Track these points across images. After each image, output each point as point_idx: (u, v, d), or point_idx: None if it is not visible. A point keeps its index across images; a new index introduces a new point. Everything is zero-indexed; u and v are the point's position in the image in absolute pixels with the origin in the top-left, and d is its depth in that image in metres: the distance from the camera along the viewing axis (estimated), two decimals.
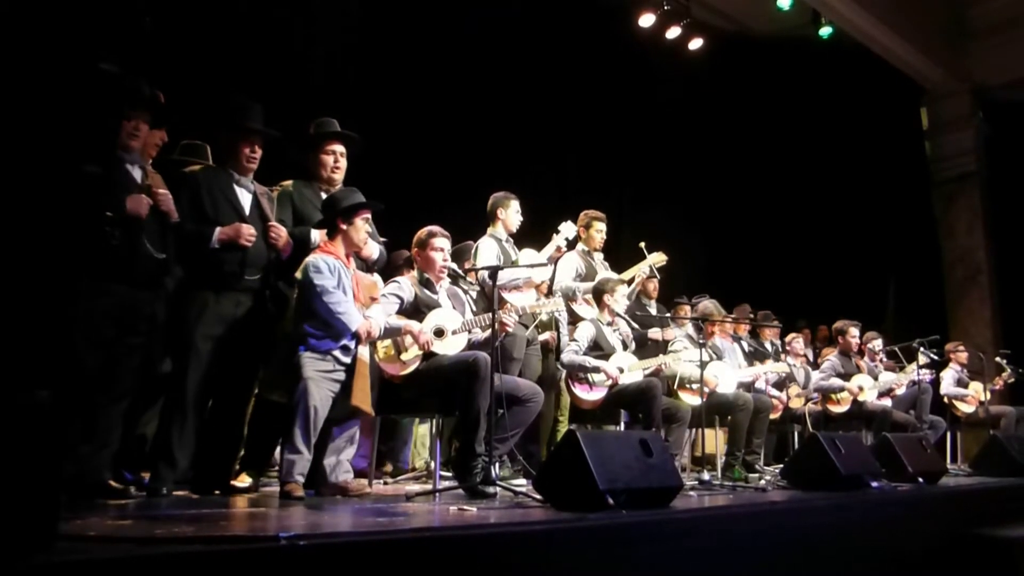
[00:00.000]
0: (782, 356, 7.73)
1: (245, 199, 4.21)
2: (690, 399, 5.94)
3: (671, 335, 6.66)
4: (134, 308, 3.74)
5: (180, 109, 4.24)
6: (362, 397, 4.01)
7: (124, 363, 3.73)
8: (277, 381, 4.15)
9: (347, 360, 4.01)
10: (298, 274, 4.10)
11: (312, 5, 6.77)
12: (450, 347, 4.38)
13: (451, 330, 4.41)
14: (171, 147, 4.66)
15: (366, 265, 4.53)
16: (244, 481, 4.21)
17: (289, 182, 4.58)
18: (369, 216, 4.36)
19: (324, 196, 4.45)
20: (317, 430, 3.87)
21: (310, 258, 4.09)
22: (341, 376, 3.99)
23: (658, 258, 6.43)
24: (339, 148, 4.61)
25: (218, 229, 4.02)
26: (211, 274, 4.05)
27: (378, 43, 7.24)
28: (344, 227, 4.19)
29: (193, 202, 4.07)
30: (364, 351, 4.08)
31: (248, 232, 4.05)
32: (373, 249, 4.53)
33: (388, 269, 5.54)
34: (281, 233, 4.22)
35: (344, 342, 4.01)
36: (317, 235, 4.37)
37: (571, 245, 5.96)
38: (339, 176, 4.60)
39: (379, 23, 7.24)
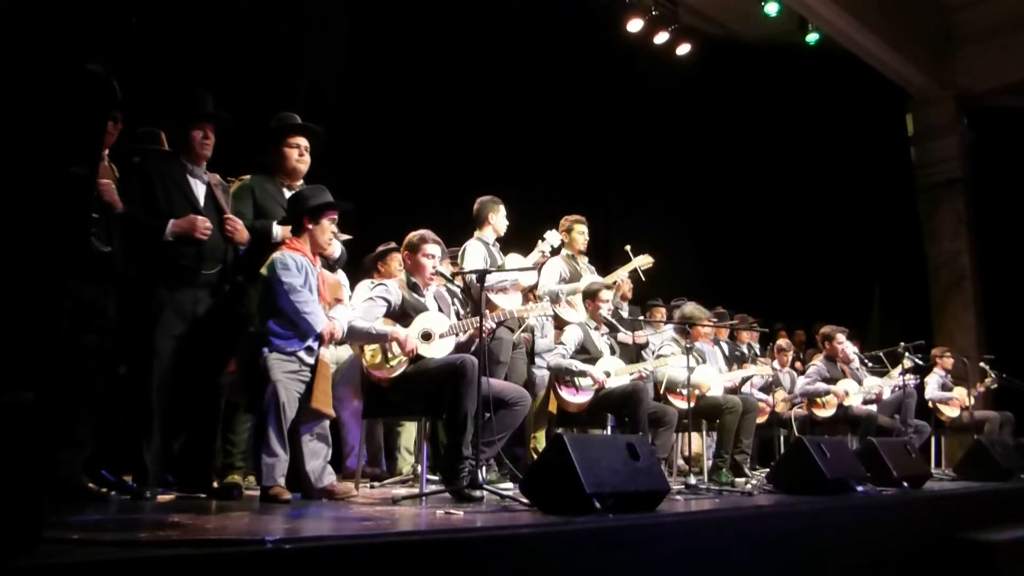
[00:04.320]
0: (760, 359, 7.75)
1: (199, 190, 4.07)
2: (679, 403, 5.96)
3: (642, 338, 6.68)
4: (82, 302, 3.60)
5: (137, 98, 4.09)
6: (323, 399, 3.97)
7: (84, 362, 3.64)
8: (241, 383, 4.10)
9: (311, 361, 3.99)
10: (263, 270, 4.01)
11: (298, 7, 6.76)
12: (437, 350, 4.37)
13: (438, 333, 4.40)
14: (126, 134, 4.54)
15: (327, 263, 4.48)
16: (229, 484, 4.18)
17: (248, 176, 4.47)
18: (336, 216, 4.28)
19: (287, 191, 4.38)
20: (286, 430, 3.85)
21: (277, 254, 4.01)
22: (306, 376, 3.96)
23: (644, 260, 6.44)
24: (303, 142, 4.49)
25: (172, 222, 3.88)
26: (165, 269, 3.90)
27: (365, 46, 7.24)
28: (310, 226, 4.13)
29: (144, 193, 3.92)
30: (326, 352, 4.05)
31: (204, 225, 3.92)
32: (335, 248, 4.44)
33: (358, 270, 5.53)
34: (237, 226, 4.09)
35: (309, 343, 3.97)
36: (279, 230, 4.27)
37: (556, 252, 5.96)
38: (303, 169, 4.49)
39: (365, 27, 7.23)
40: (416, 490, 4.40)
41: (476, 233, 5.59)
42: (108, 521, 2.78)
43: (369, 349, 4.29)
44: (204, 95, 4.17)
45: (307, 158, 4.51)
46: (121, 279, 3.87)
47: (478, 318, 4.22)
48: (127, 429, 3.89)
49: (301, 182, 4.49)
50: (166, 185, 3.99)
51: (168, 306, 3.90)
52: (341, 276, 4.76)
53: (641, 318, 7.05)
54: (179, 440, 4.04)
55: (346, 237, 4.78)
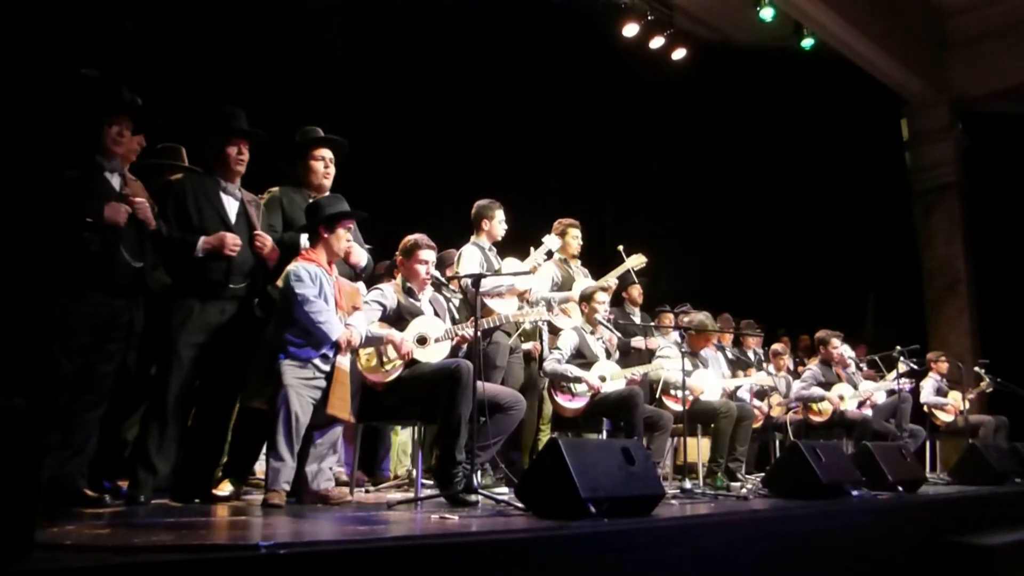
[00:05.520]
0: (764, 365, 7.75)
1: (231, 206, 4.17)
2: (674, 406, 5.95)
3: (655, 344, 6.67)
4: (110, 316, 3.69)
5: (158, 113, 4.18)
6: (340, 405, 4.00)
7: (99, 370, 3.68)
8: (257, 388, 4.13)
9: (327, 368, 4.01)
10: (279, 282, 4.08)
11: (298, 15, 6.76)
12: (432, 355, 4.37)
13: (434, 338, 4.40)
14: (147, 151, 4.60)
15: (354, 272, 4.52)
16: (225, 489, 4.18)
17: (276, 188, 4.57)
18: (352, 225, 4.35)
19: None
20: (300, 437, 3.86)
21: (291, 266, 4.07)
22: (322, 383, 3.98)
23: (637, 260, 6.42)
24: (328, 154, 4.62)
25: (202, 238, 3.98)
26: (196, 282, 4.01)
27: (363, 53, 7.24)
28: (325, 235, 4.18)
29: (178, 210, 4.04)
30: (343, 359, 4.06)
31: (232, 241, 4.01)
32: (361, 256, 4.53)
33: (369, 278, 5.54)
34: (266, 242, 4.18)
35: (324, 351, 4.00)
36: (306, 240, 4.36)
37: (549, 256, 5.95)
38: (329, 182, 4.61)
39: (364, 33, 7.24)
40: (411, 495, 4.40)
41: (473, 238, 5.59)
42: (102, 526, 2.77)
43: (364, 353, 4.29)
44: (237, 111, 4.26)
45: (332, 170, 4.63)
46: (151, 293, 3.96)
47: (465, 324, 4.23)
48: (142, 430, 3.94)
49: (328, 193, 4.56)
50: (199, 202, 4.09)
51: (195, 317, 3.99)
52: (360, 284, 4.78)
53: (653, 323, 7.05)
54: (187, 446, 4.05)
55: (368, 247, 4.81)
